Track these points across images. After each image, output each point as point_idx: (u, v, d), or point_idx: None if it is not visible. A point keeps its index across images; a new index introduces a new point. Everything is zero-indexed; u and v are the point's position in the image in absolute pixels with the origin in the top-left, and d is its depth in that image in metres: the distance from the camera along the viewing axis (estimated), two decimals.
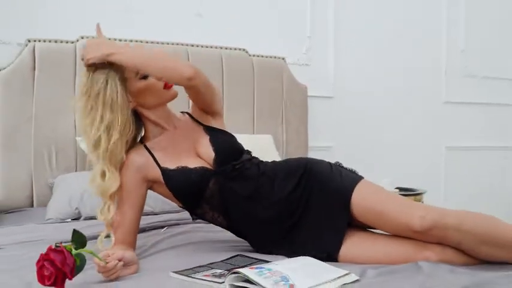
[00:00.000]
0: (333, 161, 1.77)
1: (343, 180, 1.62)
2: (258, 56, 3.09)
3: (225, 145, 1.67)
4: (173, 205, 1.81)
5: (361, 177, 1.66)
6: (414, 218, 1.42)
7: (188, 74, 1.54)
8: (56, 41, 2.62)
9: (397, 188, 3.12)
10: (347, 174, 1.67)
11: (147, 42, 2.78)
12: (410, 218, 1.43)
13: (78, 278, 1.21)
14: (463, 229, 1.41)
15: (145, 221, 1.88)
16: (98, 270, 1.26)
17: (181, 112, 1.80)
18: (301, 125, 3.18)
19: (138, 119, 1.67)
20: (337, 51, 3.41)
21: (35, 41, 2.57)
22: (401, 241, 1.49)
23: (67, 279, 1.15)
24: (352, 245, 1.54)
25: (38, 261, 1.15)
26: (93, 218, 2.10)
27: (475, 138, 3.86)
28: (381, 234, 1.59)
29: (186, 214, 1.82)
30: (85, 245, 1.24)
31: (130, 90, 1.57)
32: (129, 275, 1.34)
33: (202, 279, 1.26)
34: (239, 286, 1.18)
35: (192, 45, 2.90)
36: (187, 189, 1.59)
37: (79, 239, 1.22)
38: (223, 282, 1.21)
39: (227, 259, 1.46)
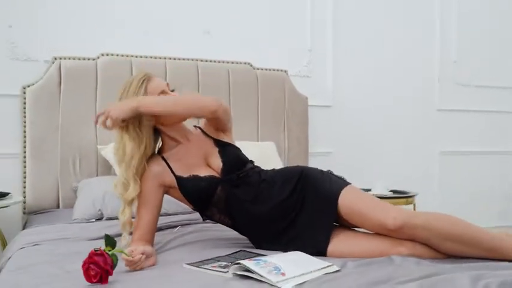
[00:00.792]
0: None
1: (332, 186, 1.87)
2: (261, 69, 3.33)
3: (232, 157, 1.93)
4: (185, 207, 2.06)
5: (347, 183, 1.90)
6: (388, 219, 1.68)
7: (214, 109, 1.84)
8: (79, 58, 2.90)
9: (390, 190, 3.35)
10: (336, 181, 1.92)
11: (160, 58, 3.05)
12: (385, 219, 1.69)
13: (114, 272, 1.48)
14: (430, 228, 1.65)
15: (161, 221, 2.12)
16: (126, 264, 1.53)
17: (194, 126, 2.07)
18: (302, 132, 3.41)
19: (157, 133, 1.94)
20: (335, 64, 3.64)
21: (60, 58, 2.86)
22: (379, 238, 1.75)
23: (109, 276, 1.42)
24: (339, 241, 1.79)
25: (84, 264, 1.39)
26: (114, 218, 2.38)
27: (468, 144, 4.08)
28: (363, 232, 1.84)
29: (196, 215, 2.08)
30: (115, 245, 1.51)
31: None
32: (149, 266, 1.61)
33: (210, 269, 1.52)
34: (241, 274, 1.44)
35: (202, 60, 3.17)
36: (198, 195, 1.87)
37: (111, 242, 1.50)
38: (228, 271, 1.47)
39: (231, 254, 1.72)
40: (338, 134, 3.66)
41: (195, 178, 1.87)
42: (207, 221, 2.03)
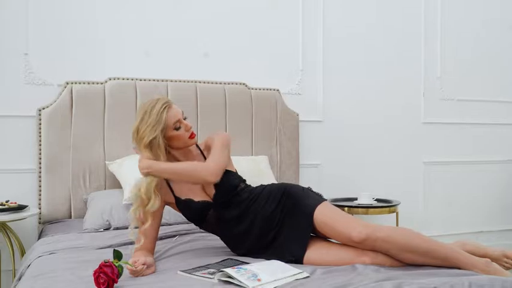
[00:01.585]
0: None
1: (309, 201, 2.14)
2: (255, 88, 3.59)
3: (225, 185, 2.16)
4: (184, 218, 2.30)
5: (323, 200, 2.18)
6: (354, 232, 1.95)
7: (211, 181, 2.10)
8: (88, 83, 3.17)
9: (376, 199, 3.61)
10: (313, 197, 2.19)
11: (162, 80, 3.34)
12: (351, 232, 1.95)
13: (120, 279, 1.76)
14: (390, 241, 1.91)
15: (162, 231, 2.40)
16: (129, 273, 1.82)
17: (196, 145, 2.29)
18: (293, 146, 3.66)
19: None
20: (325, 82, 3.87)
21: (72, 83, 3.13)
22: (347, 248, 2.01)
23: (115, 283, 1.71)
24: (313, 251, 2.06)
25: (95, 273, 1.68)
26: (120, 228, 2.69)
27: (450, 154, 4.32)
28: (336, 243, 2.11)
29: (193, 225, 2.37)
30: (121, 258, 1.80)
31: (165, 135, 2.08)
32: (149, 274, 1.90)
33: (200, 276, 1.81)
34: (224, 280, 1.73)
35: (200, 82, 3.43)
36: (192, 215, 2.17)
37: (118, 255, 1.79)
38: (214, 277, 1.76)
39: (220, 261, 2.00)
40: (327, 147, 3.89)
41: (189, 202, 2.14)
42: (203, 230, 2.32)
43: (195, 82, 3.43)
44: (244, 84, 3.58)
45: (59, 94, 3.12)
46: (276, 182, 3.19)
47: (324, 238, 2.16)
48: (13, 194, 3.00)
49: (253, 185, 2.30)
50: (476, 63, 4.38)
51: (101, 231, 2.70)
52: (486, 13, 4.41)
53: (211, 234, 2.36)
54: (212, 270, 1.87)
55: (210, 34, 3.55)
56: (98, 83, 3.20)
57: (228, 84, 3.52)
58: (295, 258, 2.05)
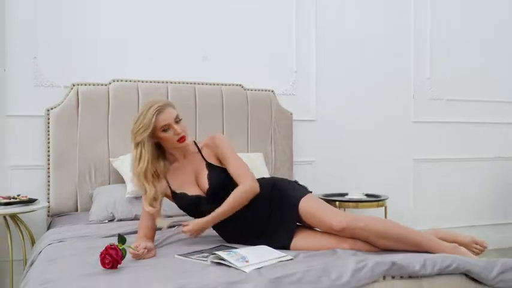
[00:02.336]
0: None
1: (295, 193, 2.33)
2: (251, 89, 3.77)
3: (218, 181, 2.33)
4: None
5: (308, 192, 2.37)
6: (334, 221, 2.14)
7: (258, 191, 2.31)
8: (93, 84, 3.37)
9: (365, 194, 3.79)
10: (298, 189, 2.38)
11: (163, 82, 3.53)
12: (332, 221, 2.14)
13: (123, 261, 1.95)
14: (367, 229, 2.09)
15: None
16: (132, 256, 2.02)
17: (193, 141, 2.48)
18: (287, 145, 3.84)
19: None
20: (319, 83, 4.07)
21: (78, 84, 3.33)
22: (329, 236, 2.20)
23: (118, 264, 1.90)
24: (299, 238, 2.25)
25: (101, 254, 1.86)
26: (123, 219, 2.89)
27: (439, 152, 4.51)
28: (319, 231, 2.30)
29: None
30: (125, 242, 2.00)
31: (156, 136, 2.27)
32: (149, 257, 2.10)
33: (195, 259, 2.01)
34: (216, 262, 1.92)
35: (198, 83, 3.62)
36: (186, 208, 2.37)
37: (122, 239, 1.99)
38: (207, 260, 1.96)
39: (213, 247, 2.20)
40: (320, 144, 4.08)
41: (184, 195, 2.33)
42: None
43: (194, 84, 3.61)
44: (240, 85, 3.75)
45: (66, 95, 3.31)
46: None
47: (309, 227, 2.34)
48: (24, 188, 3.21)
49: None
50: (464, 64, 4.56)
51: (106, 223, 2.88)
52: (477, 14, 4.60)
53: None
54: (206, 254, 2.07)
55: (208, 38, 3.74)
56: (102, 85, 3.38)
57: (225, 85, 3.70)
58: (283, 244, 2.23)
